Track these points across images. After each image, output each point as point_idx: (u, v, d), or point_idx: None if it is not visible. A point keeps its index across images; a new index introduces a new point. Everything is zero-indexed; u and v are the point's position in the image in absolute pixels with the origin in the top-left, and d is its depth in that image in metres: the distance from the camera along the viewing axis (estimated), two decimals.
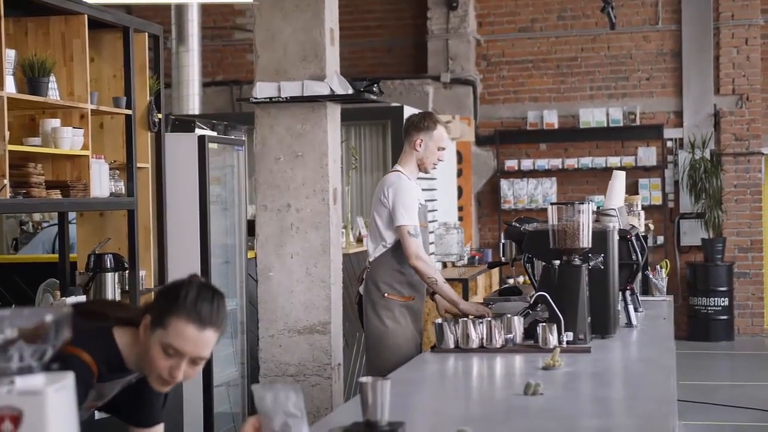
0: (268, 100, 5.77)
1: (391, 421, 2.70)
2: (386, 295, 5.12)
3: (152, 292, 2.45)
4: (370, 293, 5.17)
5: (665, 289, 6.31)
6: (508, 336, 4.19)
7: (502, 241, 5.11)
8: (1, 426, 1.70)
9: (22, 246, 8.21)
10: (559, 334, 4.14)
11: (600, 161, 12.39)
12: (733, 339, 12.03)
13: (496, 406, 3.14)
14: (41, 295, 5.73)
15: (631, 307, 4.94)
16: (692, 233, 12.27)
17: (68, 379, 1.76)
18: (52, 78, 4.93)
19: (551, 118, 12.57)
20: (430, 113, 5.50)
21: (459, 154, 12.28)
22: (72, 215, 6.03)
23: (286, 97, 5.74)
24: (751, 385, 9.61)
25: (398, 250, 5.11)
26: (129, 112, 5.57)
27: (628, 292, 4.99)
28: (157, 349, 2.49)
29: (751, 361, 11.13)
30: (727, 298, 11.94)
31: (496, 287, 10.19)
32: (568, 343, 4.15)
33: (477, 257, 10.89)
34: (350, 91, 5.80)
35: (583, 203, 4.35)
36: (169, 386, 2.55)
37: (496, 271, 11.06)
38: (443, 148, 5.26)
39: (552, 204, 4.38)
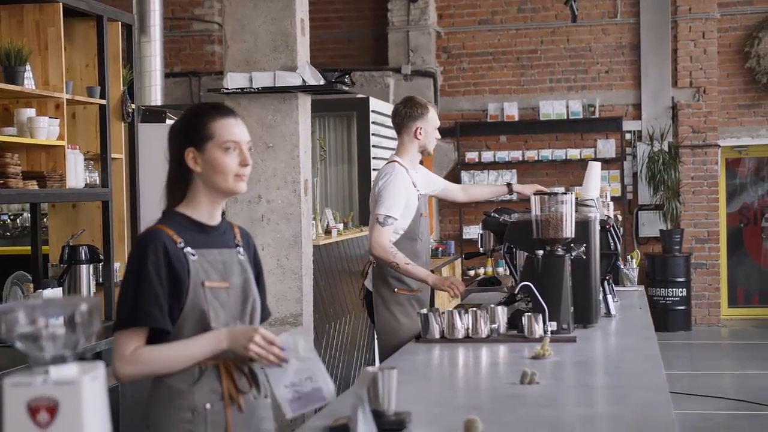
0: (239, 90, 5.73)
1: (398, 410, 2.71)
2: (396, 290, 5.05)
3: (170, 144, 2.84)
4: (379, 289, 5.09)
5: (636, 279, 6.37)
6: (493, 326, 4.21)
7: (480, 231, 5.09)
8: (36, 416, 1.67)
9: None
10: (544, 323, 4.17)
11: (560, 153, 12.46)
12: (691, 329, 12.18)
13: (497, 396, 3.14)
14: (9, 288, 5.63)
15: (609, 297, 4.97)
16: (650, 225, 12.40)
17: (101, 368, 1.74)
18: (28, 67, 4.86)
19: (511, 111, 12.62)
20: (412, 100, 5.33)
21: None
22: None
23: (257, 88, 5.71)
24: (709, 374, 9.75)
25: (403, 242, 5.03)
26: (103, 102, 5.50)
27: (606, 282, 5.02)
28: (219, 155, 2.76)
29: (708, 351, 11.27)
30: (684, 289, 12.08)
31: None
32: (552, 332, 4.18)
33: (440, 249, 10.93)
34: (322, 81, 5.78)
35: (566, 193, 4.36)
36: (245, 179, 2.80)
37: (458, 262, 11.11)
38: (438, 126, 5.34)
39: (535, 194, 4.38)
